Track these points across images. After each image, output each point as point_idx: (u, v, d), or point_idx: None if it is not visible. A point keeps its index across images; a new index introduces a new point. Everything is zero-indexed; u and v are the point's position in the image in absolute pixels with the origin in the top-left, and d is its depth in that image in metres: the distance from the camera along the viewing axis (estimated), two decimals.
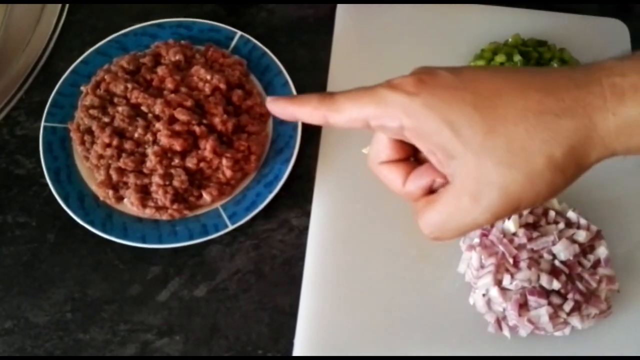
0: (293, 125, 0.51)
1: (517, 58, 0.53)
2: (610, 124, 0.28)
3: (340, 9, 0.59)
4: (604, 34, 0.58)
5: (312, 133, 0.53)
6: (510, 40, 0.56)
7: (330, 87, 0.56)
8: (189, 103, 0.49)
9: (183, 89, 0.50)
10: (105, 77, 0.51)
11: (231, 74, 0.52)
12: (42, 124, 0.51)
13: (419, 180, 0.32)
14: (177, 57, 0.52)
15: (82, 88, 0.52)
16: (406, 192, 0.32)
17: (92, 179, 0.50)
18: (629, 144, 0.28)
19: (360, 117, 0.30)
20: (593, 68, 0.29)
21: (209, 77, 0.51)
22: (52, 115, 0.52)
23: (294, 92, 0.53)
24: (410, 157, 0.33)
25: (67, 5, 0.59)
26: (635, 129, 0.28)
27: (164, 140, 0.48)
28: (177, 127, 0.48)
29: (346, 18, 0.59)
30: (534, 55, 0.54)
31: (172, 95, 0.49)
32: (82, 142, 0.50)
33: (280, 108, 0.32)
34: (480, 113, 0.28)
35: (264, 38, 0.58)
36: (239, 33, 0.55)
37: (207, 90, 0.50)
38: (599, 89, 0.28)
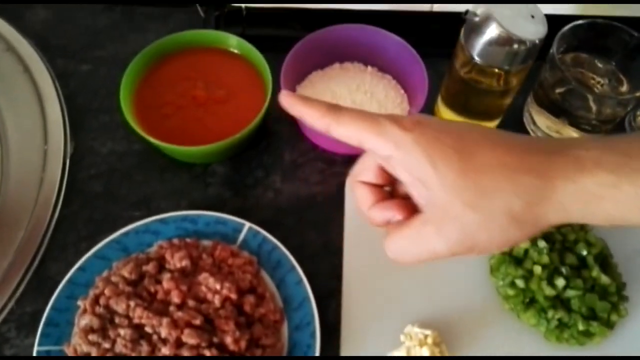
0: (311, 330, 0.47)
1: (543, 244, 0.50)
2: (569, 190, 0.31)
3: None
4: None
5: (330, 336, 0.49)
6: None
7: (346, 275, 0.52)
8: (197, 321, 0.45)
9: (190, 302, 0.46)
10: (105, 290, 0.47)
11: (241, 277, 0.49)
12: (36, 348, 0.47)
13: (383, 210, 0.35)
14: (183, 263, 0.49)
15: (80, 303, 0.48)
16: (368, 215, 0.36)
17: None
18: (584, 211, 0.32)
19: (356, 137, 0.33)
20: (566, 140, 0.34)
21: (218, 287, 0.47)
22: (46, 336, 0.47)
23: (309, 290, 0.49)
24: (387, 186, 0.37)
25: (61, 197, 0.56)
26: (591, 199, 0.31)
27: None
28: (185, 352, 0.44)
29: None
30: (558, 238, 0.52)
31: (179, 314, 0.45)
32: None
33: (290, 103, 0.35)
34: (459, 156, 0.32)
35: (272, 222, 0.55)
36: (247, 225, 0.52)
37: (217, 302, 0.47)
38: (564, 159, 0.31)
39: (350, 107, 0.34)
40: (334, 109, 0.34)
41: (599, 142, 0.32)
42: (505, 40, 0.47)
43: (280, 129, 0.61)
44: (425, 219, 0.33)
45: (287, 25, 0.67)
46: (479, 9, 0.47)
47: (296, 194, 0.57)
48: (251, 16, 0.66)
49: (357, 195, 0.37)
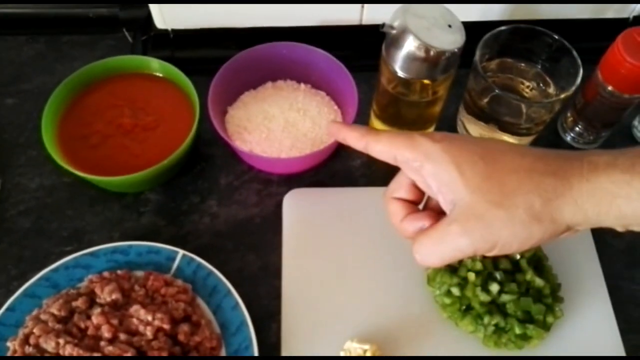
0: (250, 354, 0.47)
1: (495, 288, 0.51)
2: (583, 187, 0.34)
3: (287, 201, 0.57)
4: None
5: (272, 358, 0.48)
6: None
7: (285, 295, 0.52)
8: (129, 353, 0.44)
9: (122, 336, 0.45)
10: (35, 329, 0.46)
11: (175, 307, 0.48)
12: None
13: (414, 221, 0.39)
14: (114, 297, 0.47)
15: (9, 344, 0.46)
16: (400, 227, 0.40)
17: None
18: (598, 210, 0.34)
19: (391, 151, 0.38)
20: (579, 151, 0.37)
21: (150, 318, 0.46)
22: None
23: (246, 314, 0.48)
24: (419, 202, 0.41)
25: None
26: (605, 196, 0.34)
27: None
28: None
29: (293, 213, 0.56)
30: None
31: (110, 348, 0.44)
32: None
33: (335, 129, 0.43)
34: (484, 162, 0.35)
35: (209, 248, 0.54)
36: (181, 252, 0.51)
37: (149, 334, 0.46)
38: (579, 162, 0.35)
39: (387, 130, 0.41)
40: (373, 130, 0.40)
41: (611, 150, 0.36)
42: (424, 52, 0.48)
43: (214, 152, 0.60)
44: (451, 219, 0.36)
45: (218, 46, 0.66)
46: (396, 21, 0.48)
47: (233, 217, 0.56)
48: (179, 38, 0.65)
49: (391, 210, 0.41)
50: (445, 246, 0.36)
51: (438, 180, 0.36)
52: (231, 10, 0.63)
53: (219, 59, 0.59)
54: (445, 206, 0.37)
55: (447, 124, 0.63)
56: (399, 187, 0.41)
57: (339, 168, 0.60)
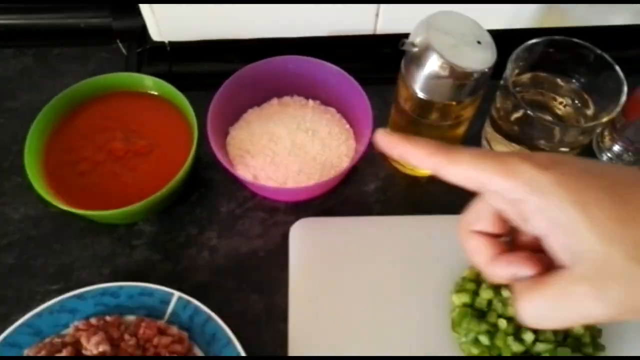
0: None
1: (507, 294, 0.45)
2: None
3: (294, 233, 0.51)
4: None
5: None
6: None
7: (292, 341, 0.46)
8: None
9: None
10: None
11: None
12: None
13: (509, 265, 0.30)
14: (101, 349, 0.42)
15: None
16: (489, 270, 0.31)
17: None
18: None
19: (477, 178, 0.29)
20: None
21: None
22: None
23: None
24: (505, 236, 0.32)
25: None
26: None
27: None
28: None
29: (301, 246, 0.51)
30: None
31: None
32: None
33: (388, 144, 0.32)
34: (612, 200, 0.27)
35: (208, 286, 0.49)
36: (176, 295, 0.46)
37: None
38: None
39: (467, 148, 0.30)
40: (445, 146, 0.30)
41: None
42: (449, 73, 0.42)
43: (214, 176, 0.55)
44: (576, 276, 0.27)
45: (220, 59, 0.61)
46: (418, 37, 0.42)
47: (235, 251, 0.51)
48: (177, 51, 0.60)
49: (472, 248, 0.32)
50: (570, 311, 0.28)
51: (550, 220, 0.28)
52: (233, 21, 0.58)
53: (220, 73, 0.53)
54: (556, 253, 0.29)
55: (472, 143, 0.57)
56: (479, 219, 0.32)
57: (350, 193, 0.55)
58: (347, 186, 0.55)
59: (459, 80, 0.42)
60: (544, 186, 0.27)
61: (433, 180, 0.55)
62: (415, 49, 0.42)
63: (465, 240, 0.32)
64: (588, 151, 0.57)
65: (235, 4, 0.54)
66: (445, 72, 0.42)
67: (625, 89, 0.46)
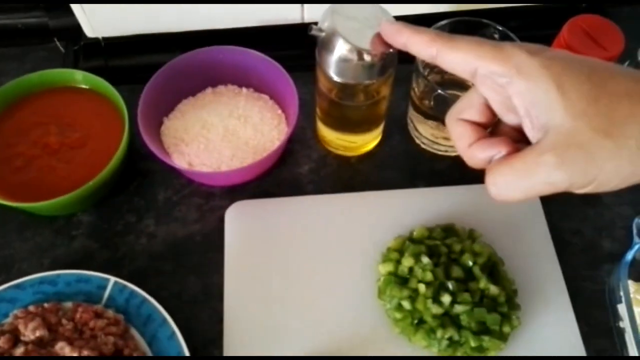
0: None
1: (426, 260, 0.48)
2: None
3: (229, 215, 0.53)
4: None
5: None
6: (415, 233, 0.51)
7: (227, 318, 0.49)
8: None
9: None
10: None
11: (104, 341, 0.44)
12: None
13: (488, 147, 0.33)
14: (38, 334, 0.44)
15: None
16: (469, 154, 0.34)
17: None
18: None
19: (472, 62, 0.32)
20: None
21: (76, 355, 0.43)
22: None
23: (183, 344, 0.46)
24: (489, 127, 0.35)
25: None
26: None
27: None
28: None
29: (236, 228, 0.53)
30: (443, 251, 0.49)
31: None
32: None
33: (394, 30, 0.35)
34: (591, 83, 0.30)
35: (146, 271, 0.51)
36: (112, 280, 0.48)
37: None
38: None
39: (465, 37, 0.33)
40: (445, 35, 0.33)
41: None
42: (356, 56, 0.44)
43: (152, 167, 0.56)
44: (544, 147, 0.30)
45: (154, 52, 0.62)
46: (325, 23, 0.44)
47: (172, 236, 0.53)
48: (112, 47, 0.61)
49: (457, 133, 0.35)
50: (534, 179, 0.31)
51: (529, 100, 0.31)
52: (165, 15, 0.59)
53: (155, 65, 0.55)
54: (531, 132, 0.32)
55: (398, 123, 0.60)
56: (468, 107, 0.35)
57: (285, 176, 0.57)
58: (282, 169, 0.58)
59: (366, 61, 0.45)
60: (532, 69, 0.30)
61: (361, 160, 0.58)
62: (323, 34, 0.44)
63: (452, 126, 0.35)
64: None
65: (157, 3, 0.56)
66: (353, 55, 0.44)
67: None
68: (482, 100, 0.34)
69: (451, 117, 0.36)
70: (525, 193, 0.32)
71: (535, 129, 0.31)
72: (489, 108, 0.34)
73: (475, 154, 0.34)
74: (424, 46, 0.34)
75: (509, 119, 0.34)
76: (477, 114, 0.34)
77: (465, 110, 0.35)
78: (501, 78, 0.32)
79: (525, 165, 0.31)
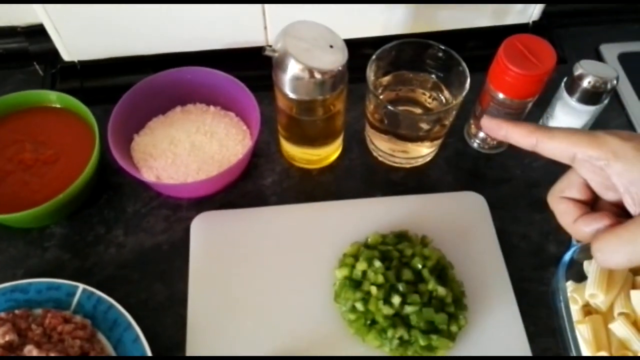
0: None
1: (378, 264, 0.51)
2: None
3: (195, 226, 0.56)
4: (462, 207, 0.58)
5: None
6: (369, 240, 0.54)
7: (191, 324, 0.51)
8: None
9: None
10: None
11: (71, 344, 0.47)
12: None
13: (592, 221, 0.37)
14: (7, 338, 0.47)
15: None
16: (575, 229, 0.38)
17: None
18: None
19: (570, 149, 0.36)
20: None
21: (44, 354, 0.45)
22: None
23: (146, 347, 0.48)
24: (590, 204, 0.39)
25: None
26: None
27: None
28: None
29: (201, 238, 0.56)
30: (395, 255, 0.52)
31: None
32: None
33: (494, 125, 0.39)
34: None
35: (115, 279, 0.54)
36: (81, 287, 0.51)
37: None
38: None
39: (561, 127, 0.37)
40: (542, 126, 0.38)
41: None
42: (307, 74, 0.48)
43: (122, 181, 0.60)
44: None
45: (126, 74, 0.66)
46: (278, 44, 0.48)
47: (140, 246, 0.56)
48: (87, 69, 0.65)
49: (560, 210, 0.39)
50: (638, 246, 0.35)
51: (628, 179, 0.35)
52: (136, 39, 0.63)
53: (128, 86, 0.59)
54: (632, 207, 0.36)
55: (356, 138, 0.63)
56: (568, 186, 0.39)
57: (250, 188, 0.60)
58: (247, 181, 0.61)
59: (317, 78, 0.48)
60: (627, 152, 0.35)
61: (323, 172, 0.61)
62: (276, 54, 0.48)
63: (555, 203, 0.39)
64: (462, 140, 0.64)
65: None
66: (304, 73, 0.48)
67: (468, 80, 0.53)
68: (582, 180, 0.38)
69: (553, 195, 0.40)
70: (629, 258, 0.35)
71: (636, 204, 0.35)
72: (588, 187, 0.38)
73: (581, 228, 0.38)
74: (524, 137, 0.38)
75: (608, 196, 0.38)
76: (577, 193, 0.38)
77: (566, 190, 0.39)
78: (599, 161, 0.36)
79: (629, 233, 0.35)
